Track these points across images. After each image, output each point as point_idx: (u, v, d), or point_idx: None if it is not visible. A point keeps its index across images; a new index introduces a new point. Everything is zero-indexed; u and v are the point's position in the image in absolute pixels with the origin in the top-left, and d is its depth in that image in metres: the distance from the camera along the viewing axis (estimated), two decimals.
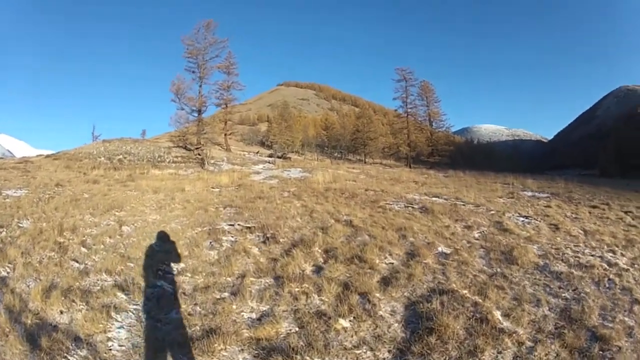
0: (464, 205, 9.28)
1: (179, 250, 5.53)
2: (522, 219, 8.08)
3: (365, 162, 40.06)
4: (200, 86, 28.83)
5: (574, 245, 6.16)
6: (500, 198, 10.82)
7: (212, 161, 23.23)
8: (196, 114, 26.91)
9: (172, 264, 5.00)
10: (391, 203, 9.37)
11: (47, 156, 21.88)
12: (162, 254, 5.37)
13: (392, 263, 5.29)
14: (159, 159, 22.37)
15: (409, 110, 39.70)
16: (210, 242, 6.17)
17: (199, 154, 22.69)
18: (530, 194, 11.90)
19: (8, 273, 4.67)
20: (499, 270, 5.06)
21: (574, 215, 8.63)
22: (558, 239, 6.55)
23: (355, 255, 5.36)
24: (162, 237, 6.10)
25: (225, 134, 35.83)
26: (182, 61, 29.53)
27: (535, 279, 4.79)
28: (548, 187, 13.34)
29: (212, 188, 12.32)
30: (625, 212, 8.94)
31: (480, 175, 19.66)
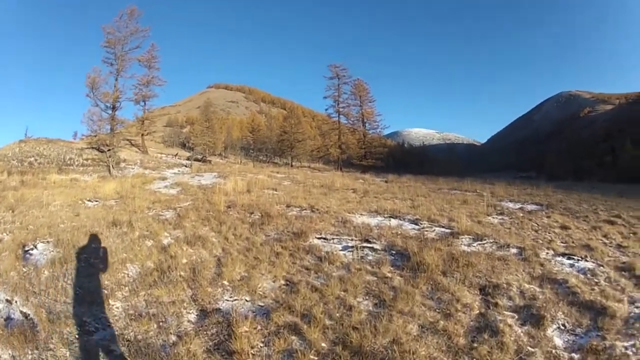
0: (454, 237, 5.28)
1: None
2: (568, 262, 4.40)
3: (292, 166, 35.47)
4: (117, 79, 24.41)
5: None
6: (489, 216, 7.24)
7: (123, 164, 20.59)
8: (110, 111, 22.09)
9: None
10: (329, 238, 4.95)
11: None
12: None
13: None
14: (68, 162, 20.60)
15: (340, 109, 35.96)
16: None
17: (111, 156, 18.87)
18: (513, 205, 8.66)
19: None
20: None
21: (613, 242, 5.41)
22: None
23: None
24: None
25: (142, 135, 31.05)
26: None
27: None
28: (527, 195, 10.34)
29: (88, 201, 9.46)
30: None
31: (427, 181, 16.60)
